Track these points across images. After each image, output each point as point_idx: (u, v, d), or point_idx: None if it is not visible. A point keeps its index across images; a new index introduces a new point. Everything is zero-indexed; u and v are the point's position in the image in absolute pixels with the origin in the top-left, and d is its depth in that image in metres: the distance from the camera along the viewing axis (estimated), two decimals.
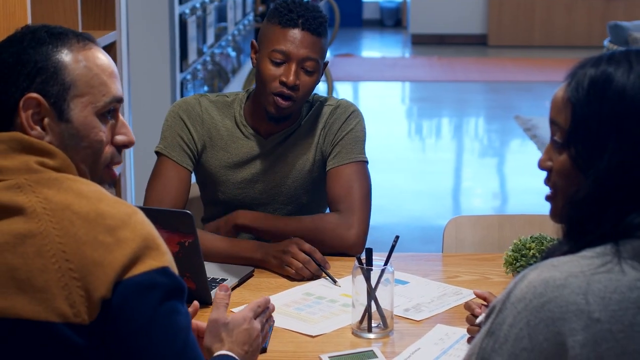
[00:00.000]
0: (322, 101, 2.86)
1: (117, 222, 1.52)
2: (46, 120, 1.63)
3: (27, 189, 1.55)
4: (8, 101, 1.62)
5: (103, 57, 1.71)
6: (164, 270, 1.53)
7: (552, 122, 1.57)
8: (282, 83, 2.66)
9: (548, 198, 1.61)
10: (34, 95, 1.62)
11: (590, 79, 1.51)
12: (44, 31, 1.67)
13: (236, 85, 7.68)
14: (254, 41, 2.77)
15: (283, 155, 2.82)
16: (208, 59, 6.36)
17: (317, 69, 2.69)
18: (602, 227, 1.47)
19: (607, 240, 1.45)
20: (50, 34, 1.67)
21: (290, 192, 2.84)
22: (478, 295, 2.17)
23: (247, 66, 8.44)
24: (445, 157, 7.93)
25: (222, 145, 2.82)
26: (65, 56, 1.65)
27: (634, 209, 1.46)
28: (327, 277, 2.55)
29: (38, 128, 1.63)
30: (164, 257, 1.54)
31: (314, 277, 2.56)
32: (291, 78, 2.64)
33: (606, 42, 8.92)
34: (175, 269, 1.56)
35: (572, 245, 1.49)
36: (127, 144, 1.74)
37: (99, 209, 1.53)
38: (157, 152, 2.81)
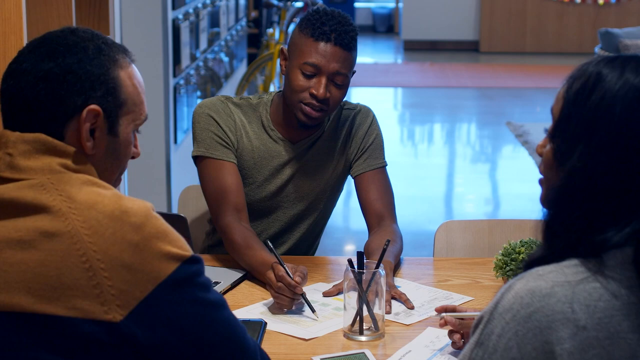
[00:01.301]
0: (341, 105, 2.90)
1: (140, 218, 1.56)
2: (97, 132, 1.68)
3: (50, 187, 1.58)
4: (67, 108, 1.65)
5: (140, 75, 1.77)
6: (192, 258, 1.60)
7: (551, 111, 1.59)
8: (312, 95, 2.67)
9: (540, 182, 1.62)
10: (97, 107, 1.66)
11: (585, 77, 1.52)
12: (100, 41, 1.71)
13: (229, 91, 7.69)
14: (284, 48, 2.78)
15: (311, 161, 2.85)
16: (201, 64, 6.38)
17: (347, 83, 2.71)
18: (572, 235, 1.47)
19: (582, 254, 1.46)
20: (106, 44, 1.71)
21: (312, 197, 2.87)
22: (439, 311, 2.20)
23: (240, 72, 8.45)
24: (437, 163, 7.95)
25: (251, 149, 2.82)
26: (121, 72, 1.70)
27: (604, 223, 1.46)
28: (306, 304, 2.39)
29: (92, 140, 1.67)
30: (185, 246, 1.60)
31: (294, 302, 2.39)
32: (321, 91, 2.66)
33: (597, 49, 8.96)
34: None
35: (548, 253, 1.50)
36: (136, 156, 1.81)
37: (122, 206, 1.57)
38: (197, 157, 2.79)
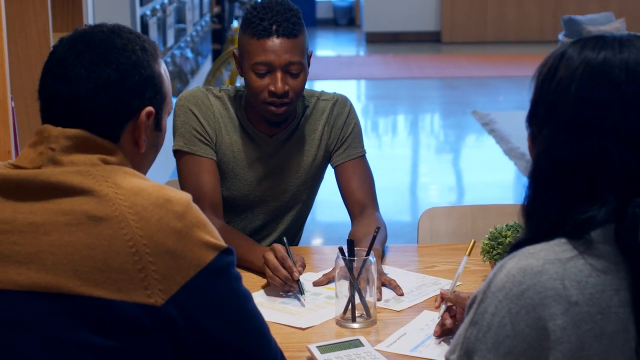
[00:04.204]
0: (318, 96, 2.90)
1: (183, 207, 1.60)
2: (148, 130, 1.72)
3: (96, 173, 1.61)
4: (126, 112, 1.68)
5: None
6: (228, 249, 1.63)
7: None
8: (272, 93, 2.66)
9: None
10: (152, 108, 1.70)
11: (551, 59, 1.55)
12: (142, 40, 1.73)
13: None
14: (235, 51, 2.78)
15: (289, 153, 2.85)
16: (169, 60, 6.36)
17: (303, 68, 2.68)
18: (550, 217, 1.49)
19: (568, 234, 1.48)
20: (146, 42, 1.74)
21: (294, 189, 2.88)
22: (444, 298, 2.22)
23: (205, 68, 8.43)
24: (404, 154, 7.98)
25: (230, 142, 2.82)
26: (160, 68, 1.74)
27: (580, 203, 1.47)
28: (298, 288, 2.43)
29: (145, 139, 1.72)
30: (220, 237, 1.64)
31: (287, 286, 2.42)
32: (279, 86, 2.65)
33: (561, 36, 9.02)
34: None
35: (530, 236, 1.52)
36: None
37: (165, 195, 1.60)
38: (177, 151, 2.79)
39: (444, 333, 2.18)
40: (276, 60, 2.64)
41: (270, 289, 2.48)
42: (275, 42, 2.64)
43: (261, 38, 2.65)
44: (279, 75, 2.65)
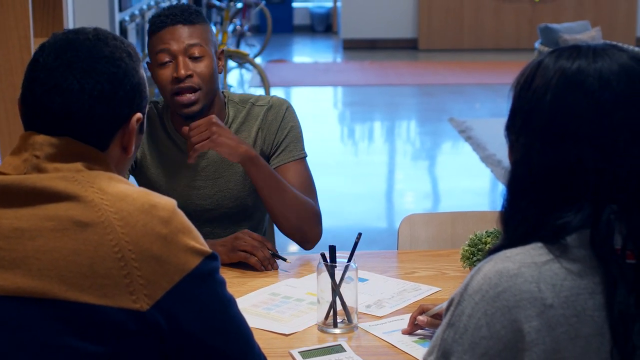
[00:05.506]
0: (253, 102, 2.88)
1: (168, 213, 1.61)
2: (135, 135, 1.73)
3: (81, 179, 1.61)
4: (118, 121, 1.69)
5: None
6: (213, 255, 1.64)
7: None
8: (176, 80, 2.66)
9: None
10: (141, 115, 1.71)
11: (528, 69, 1.57)
12: (125, 45, 1.73)
13: None
14: (148, 62, 2.79)
15: (219, 160, 2.83)
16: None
17: (206, 53, 2.70)
18: (527, 223, 1.51)
19: (544, 238, 1.50)
20: (129, 46, 1.74)
21: (234, 195, 2.86)
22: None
23: None
24: (382, 160, 8.00)
25: (158, 155, 2.83)
26: (142, 70, 1.74)
27: (556, 209, 1.50)
28: (279, 258, 2.65)
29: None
30: (205, 243, 1.65)
31: (265, 262, 2.63)
32: (181, 71, 2.65)
33: (537, 45, 9.08)
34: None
35: (508, 242, 1.54)
36: None
37: (150, 200, 1.61)
38: None
39: (413, 330, 2.24)
40: (174, 45, 2.67)
41: (252, 297, 2.49)
42: (171, 29, 2.69)
43: (158, 30, 2.70)
44: (180, 59, 2.67)
